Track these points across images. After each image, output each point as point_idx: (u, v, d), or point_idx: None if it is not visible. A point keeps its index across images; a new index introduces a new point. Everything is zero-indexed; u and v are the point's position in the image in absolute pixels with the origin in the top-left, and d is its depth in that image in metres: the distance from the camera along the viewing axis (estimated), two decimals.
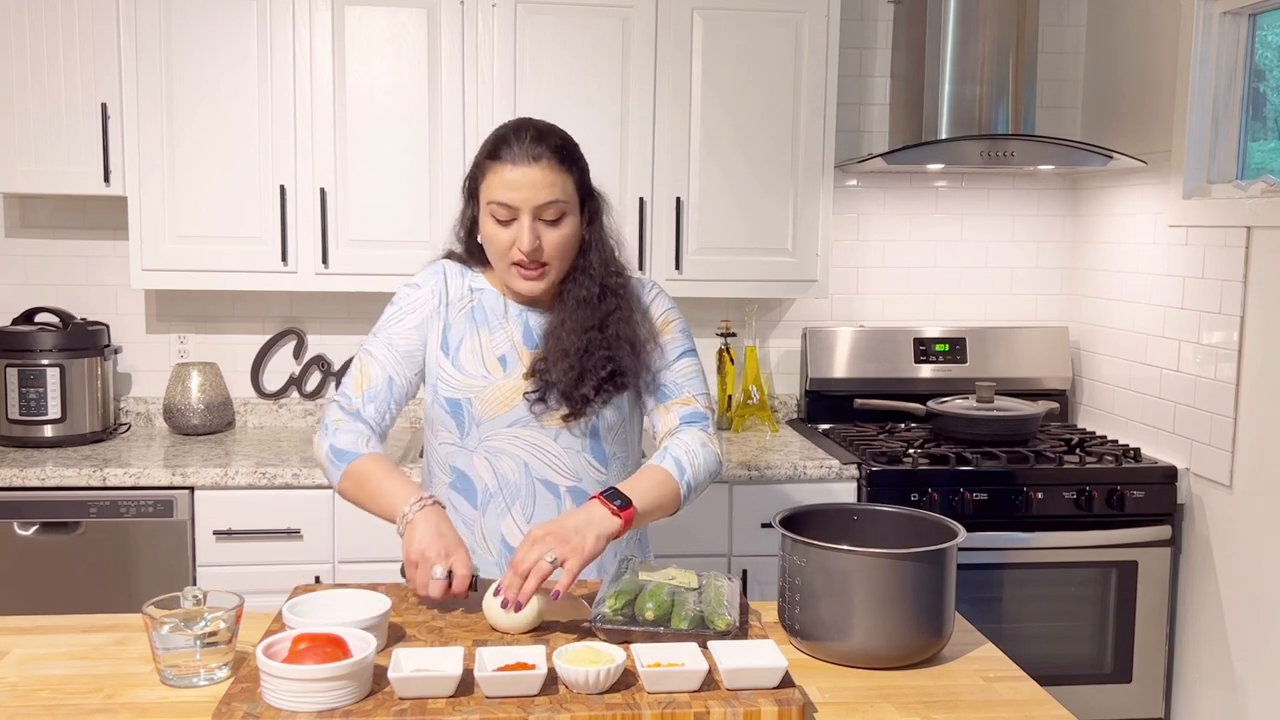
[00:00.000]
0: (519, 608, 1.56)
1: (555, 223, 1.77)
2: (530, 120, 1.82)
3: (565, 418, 1.83)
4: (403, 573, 1.69)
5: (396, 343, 1.88)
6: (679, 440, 1.83)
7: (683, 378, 1.90)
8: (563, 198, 1.76)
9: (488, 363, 1.85)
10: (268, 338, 3.40)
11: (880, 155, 3.08)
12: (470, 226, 1.89)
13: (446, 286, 1.90)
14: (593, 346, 1.81)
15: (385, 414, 1.85)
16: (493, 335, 1.87)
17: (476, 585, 1.63)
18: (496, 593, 1.59)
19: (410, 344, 1.88)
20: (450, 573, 1.61)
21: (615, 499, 1.67)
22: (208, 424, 3.24)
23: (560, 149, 1.77)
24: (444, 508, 1.72)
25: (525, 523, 1.86)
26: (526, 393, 1.82)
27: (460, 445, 1.87)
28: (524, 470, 1.85)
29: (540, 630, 1.61)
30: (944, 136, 3.23)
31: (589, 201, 1.84)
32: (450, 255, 1.96)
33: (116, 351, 3.27)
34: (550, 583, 1.58)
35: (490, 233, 1.79)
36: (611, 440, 1.90)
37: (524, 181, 1.74)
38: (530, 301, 1.88)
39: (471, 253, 1.92)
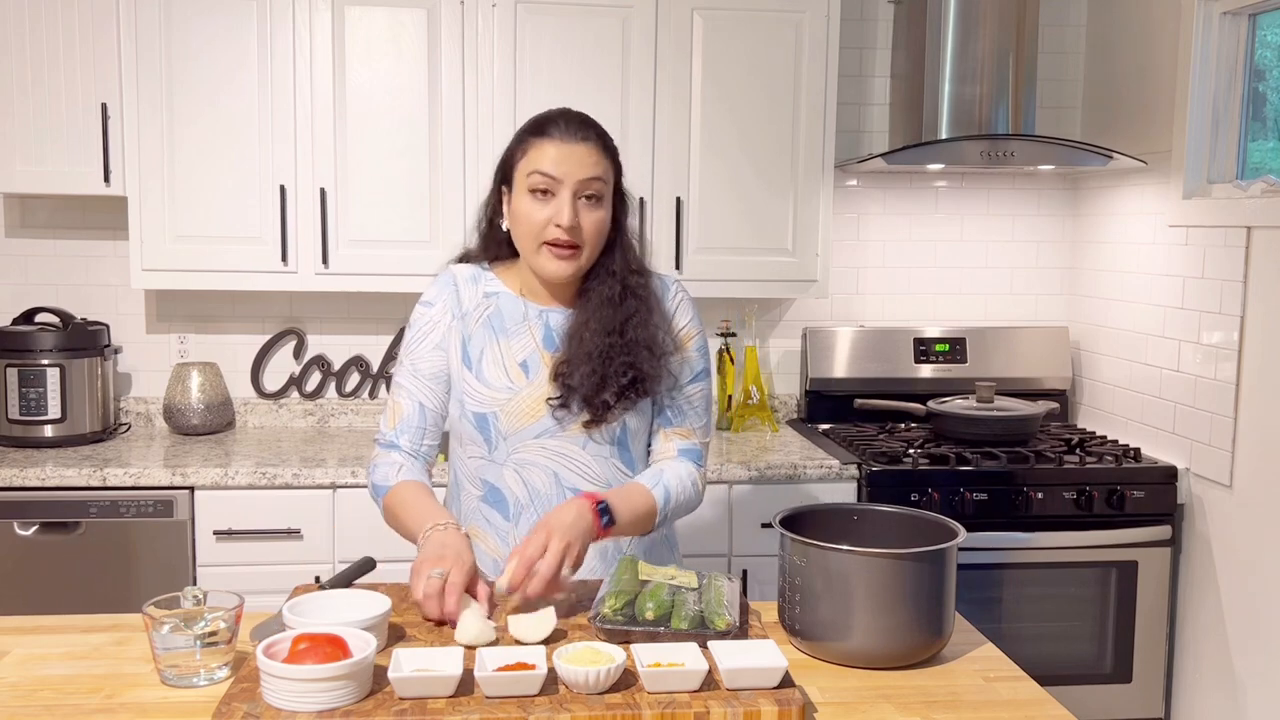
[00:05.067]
0: (527, 599, 1.59)
1: (594, 204, 1.76)
2: (575, 110, 1.82)
3: (587, 424, 1.82)
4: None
5: (420, 368, 1.86)
6: (674, 470, 1.85)
7: (690, 405, 1.90)
8: (604, 179, 1.77)
9: (510, 372, 1.83)
10: (268, 338, 3.40)
11: (880, 155, 3.08)
12: (493, 213, 1.87)
13: (459, 297, 1.87)
14: (613, 352, 1.79)
15: (421, 441, 1.86)
16: (512, 341, 1.84)
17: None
18: (486, 594, 1.59)
19: (433, 365, 1.86)
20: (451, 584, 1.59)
21: (604, 515, 1.70)
22: (208, 424, 3.24)
23: (604, 136, 1.80)
24: (462, 531, 1.70)
25: None
26: (550, 399, 1.81)
27: (489, 459, 1.86)
28: (554, 480, 1.84)
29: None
30: (944, 136, 3.23)
31: (620, 200, 1.84)
32: (463, 257, 1.93)
33: (116, 351, 3.27)
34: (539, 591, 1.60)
35: (525, 210, 1.76)
36: (637, 444, 1.89)
37: (571, 156, 1.74)
38: (549, 300, 1.86)
39: (489, 244, 1.89)
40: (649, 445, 1.93)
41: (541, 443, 1.83)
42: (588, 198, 1.75)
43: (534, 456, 1.84)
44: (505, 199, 1.83)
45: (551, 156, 1.74)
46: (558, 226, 1.74)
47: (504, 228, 1.85)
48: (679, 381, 1.88)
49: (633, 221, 1.89)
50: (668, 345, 1.84)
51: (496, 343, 1.85)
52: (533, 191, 1.75)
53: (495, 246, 1.89)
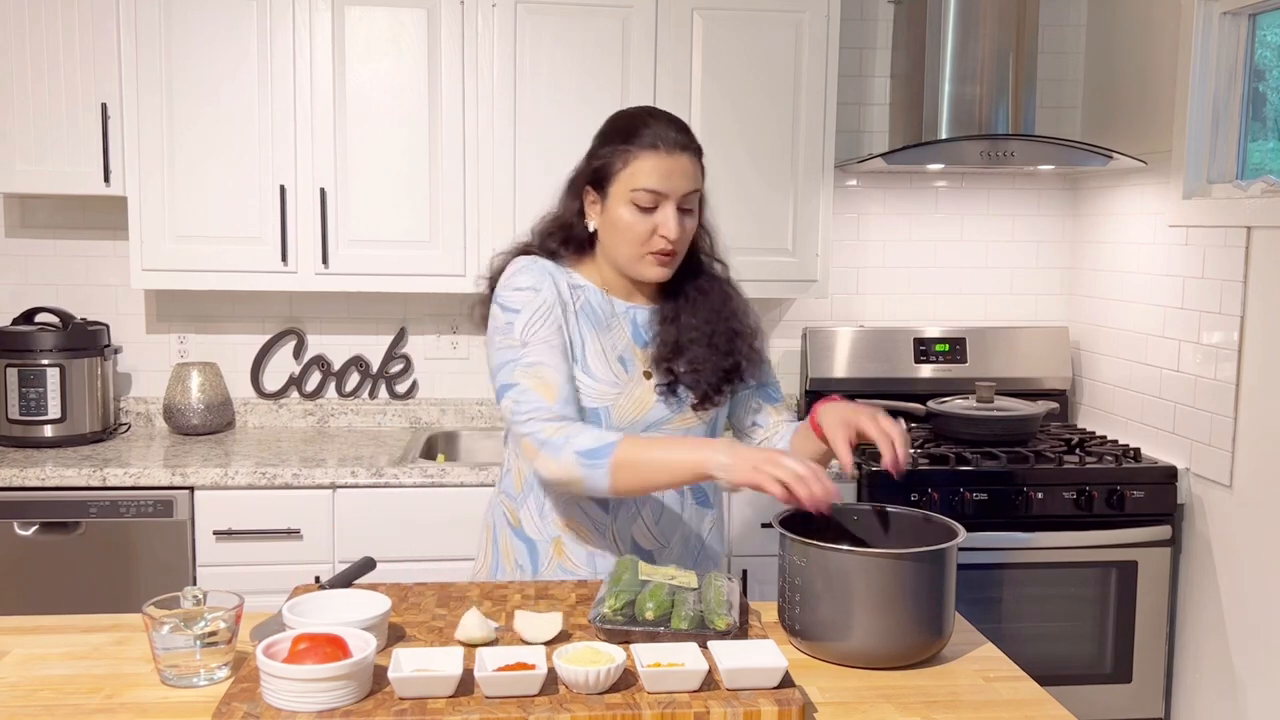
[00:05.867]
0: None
1: (689, 211, 1.80)
2: (659, 110, 1.84)
3: (694, 406, 1.85)
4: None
5: (554, 343, 1.79)
6: None
7: (776, 386, 2.00)
8: (700, 189, 1.81)
9: (613, 367, 1.83)
10: (268, 338, 3.40)
11: (880, 155, 3.08)
12: (577, 216, 1.84)
13: (557, 288, 1.82)
14: (716, 339, 1.85)
15: (579, 414, 1.79)
16: (607, 336, 1.85)
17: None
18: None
19: (563, 340, 1.80)
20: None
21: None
22: (208, 424, 3.24)
23: (696, 141, 1.81)
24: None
25: (654, 524, 1.86)
26: (658, 385, 1.83)
27: None
28: None
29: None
30: (944, 136, 3.23)
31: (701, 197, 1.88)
32: (531, 250, 1.89)
33: (116, 351, 3.27)
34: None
35: (628, 220, 1.77)
36: (719, 431, 1.95)
37: (676, 169, 1.75)
38: (635, 296, 1.87)
39: (568, 242, 1.86)
40: (740, 424, 2.01)
41: (649, 434, 1.83)
42: (685, 208, 1.79)
43: None
44: (593, 202, 1.82)
45: (659, 171, 1.74)
46: (663, 238, 1.76)
47: (590, 229, 1.84)
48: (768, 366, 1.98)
49: (708, 214, 1.92)
50: (759, 330, 1.92)
51: (596, 337, 1.84)
52: (635, 204, 1.76)
53: (576, 245, 1.87)
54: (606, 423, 1.81)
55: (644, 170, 1.75)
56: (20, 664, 1.54)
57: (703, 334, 1.84)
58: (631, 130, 1.78)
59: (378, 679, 1.39)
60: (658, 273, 1.81)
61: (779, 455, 1.62)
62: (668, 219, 1.76)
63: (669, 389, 1.83)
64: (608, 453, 1.68)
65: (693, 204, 1.80)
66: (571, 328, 1.82)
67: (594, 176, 1.81)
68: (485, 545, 2.01)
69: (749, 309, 1.94)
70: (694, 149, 1.79)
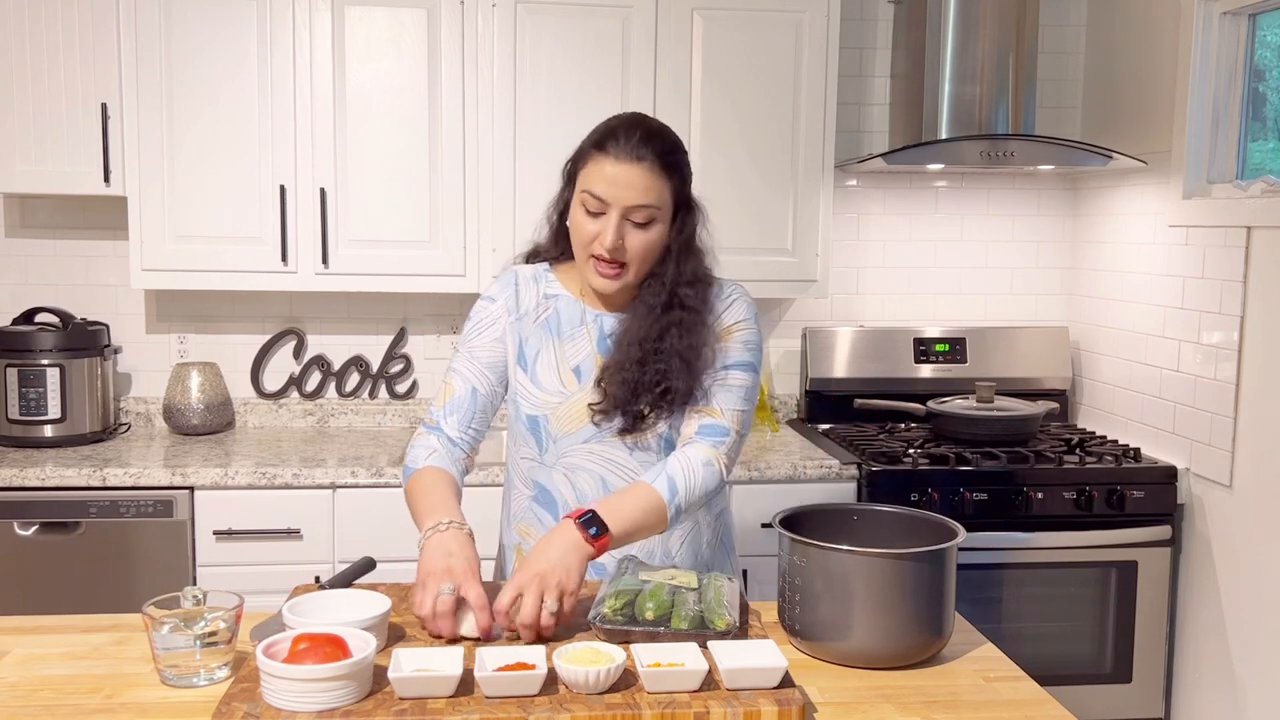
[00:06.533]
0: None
1: (643, 226, 1.74)
2: (644, 119, 1.78)
3: (622, 432, 1.80)
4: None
5: (478, 355, 1.87)
6: (682, 456, 1.76)
7: (720, 387, 1.81)
8: (656, 204, 1.73)
9: (563, 376, 1.84)
10: (268, 338, 3.40)
11: (880, 155, 3.08)
12: (563, 211, 1.85)
13: (518, 298, 1.88)
14: (647, 360, 1.76)
15: (468, 425, 1.85)
16: (568, 345, 1.85)
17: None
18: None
19: (492, 355, 1.87)
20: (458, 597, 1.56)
21: (591, 525, 1.62)
22: (208, 424, 3.24)
23: (666, 154, 1.74)
24: (468, 533, 1.65)
25: None
26: (591, 404, 1.80)
27: (539, 461, 1.87)
28: (601, 485, 1.84)
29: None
30: (944, 136, 3.23)
31: (684, 211, 1.80)
32: (533, 252, 1.92)
33: (116, 351, 3.27)
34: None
35: (578, 221, 1.76)
36: (663, 454, 1.85)
37: (622, 179, 1.70)
38: (605, 305, 1.86)
39: (558, 238, 1.88)
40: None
41: (589, 448, 1.83)
42: (636, 221, 1.73)
43: (582, 461, 1.84)
44: (569, 198, 1.82)
45: (605, 177, 1.71)
46: (602, 246, 1.73)
47: (566, 223, 1.84)
48: (714, 369, 1.82)
49: (704, 231, 1.83)
50: (708, 358, 1.79)
51: (553, 346, 1.85)
52: (585, 206, 1.74)
53: (564, 241, 1.87)
54: (545, 430, 1.84)
55: (595, 174, 1.72)
56: (20, 664, 1.54)
57: (633, 358, 1.76)
58: (603, 132, 1.76)
59: (378, 679, 1.40)
60: (600, 281, 1.76)
61: (443, 580, 1.55)
62: (606, 228, 1.72)
63: (603, 410, 1.79)
64: (409, 474, 1.80)
65: (650, 218, 1.73)
66: (528, 338, 1.86)
67: (569, 175, 1.81)
68: (497, 546, 2.03)
69: (711, 334, 1.80)
70: (653, 162, 1.71)
